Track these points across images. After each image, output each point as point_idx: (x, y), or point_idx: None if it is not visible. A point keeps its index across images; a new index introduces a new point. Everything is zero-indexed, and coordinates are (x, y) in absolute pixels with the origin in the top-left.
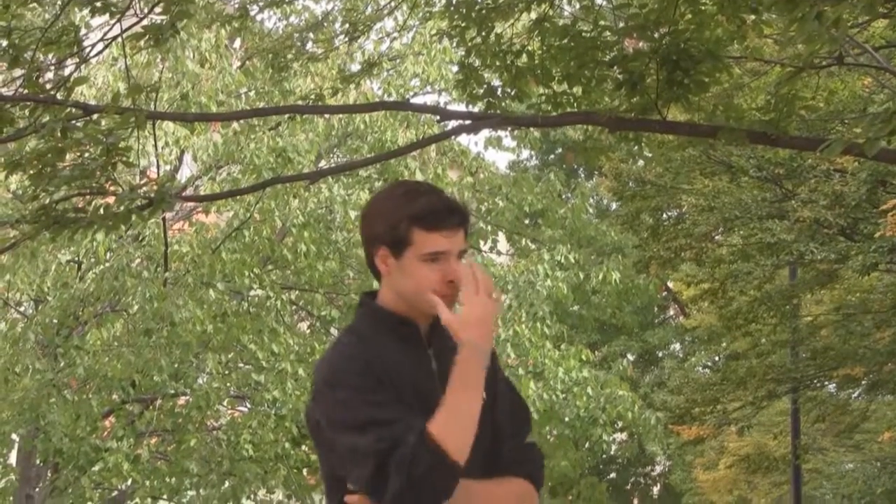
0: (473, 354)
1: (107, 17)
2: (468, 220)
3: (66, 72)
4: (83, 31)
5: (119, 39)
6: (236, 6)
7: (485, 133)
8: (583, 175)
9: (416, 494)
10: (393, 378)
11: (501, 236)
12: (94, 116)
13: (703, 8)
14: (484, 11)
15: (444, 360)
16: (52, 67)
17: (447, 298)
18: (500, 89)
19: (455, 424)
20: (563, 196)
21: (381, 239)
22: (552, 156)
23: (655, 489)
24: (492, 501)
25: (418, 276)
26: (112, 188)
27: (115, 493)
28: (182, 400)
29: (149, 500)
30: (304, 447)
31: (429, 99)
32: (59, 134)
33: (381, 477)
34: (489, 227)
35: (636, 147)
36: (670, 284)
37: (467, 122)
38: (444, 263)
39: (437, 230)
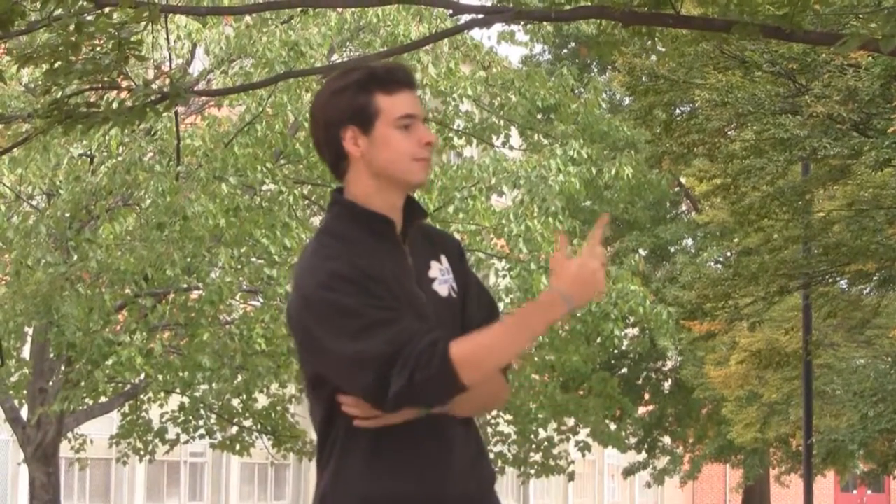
0: (555, 306)
1: None
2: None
3: None
4: None
5: None
6: None
7: (497, 27)
8: (596, 70)
9: (412, 396)
10: (380, 277)
11: (514, 131)
12: (107, 10)
13: None
14: None
15: (418, 258)
16: None
17: (426, 162)
18: None
19: (484, 360)
20: (576, 91)
21: (345, 118)
22: (565, 50)
23: (666, 384)
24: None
25: (395, 145)
26: (125, 82)
27: (128, 386)
28: (195, 294)
29: (162, 393)
30: None
31: None
32: (71, 28)
33: (385, 380)
34: (501, 122)
35: (649, 41)
36: (683, 180)
37: (480, 15)
38: (416, 127)
39: (400, 91)
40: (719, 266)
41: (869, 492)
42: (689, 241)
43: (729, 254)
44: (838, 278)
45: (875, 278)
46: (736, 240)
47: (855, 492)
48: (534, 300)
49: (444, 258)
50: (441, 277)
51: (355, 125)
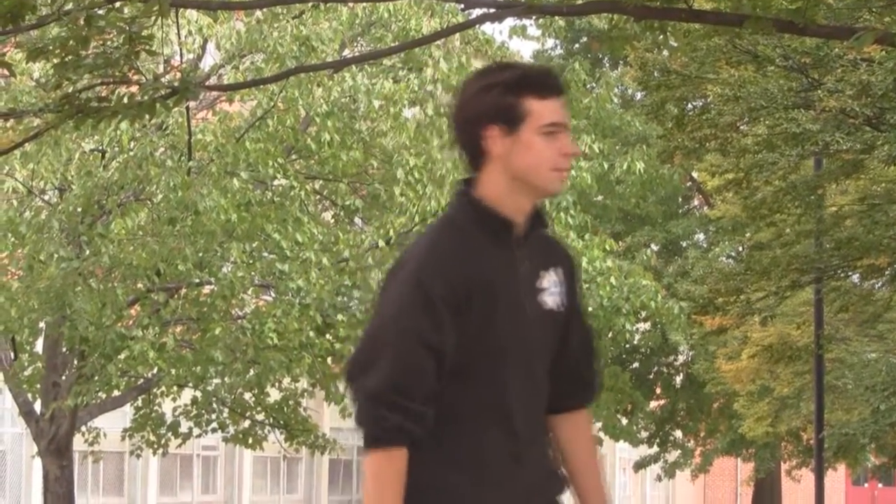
0: None
1: None
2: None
3: None
4: None
5: None
6: None
7: (509, 21)
8: (608, 64)
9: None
10: (482, 283)
11: None
12: (118, 4)
13: None
14: None
15: (531, 266)
16: None
17: (565, 173)
18: None
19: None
20: (588, 86)
21: (490, 116)
22: (577, 45)
23: (678, 379)
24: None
25: (537, 151)
26: (135, 77)
27: (140, 380)
28: (207, 289)
29: (174, 387)
30: (328, 336)
31: None
32: (82, 22)
33: (367, 373)
34: None
35: (661, 36)
36: (695, 174)
37: (492, 10)
38: (560, 136)
39: (551, 97)
40: (731, 261)
41: (880, 485)
42: (701, 236)
43: (741, 248)
44: (850, 273)
45: (887, 273)
46: (748, 234)
47: (866, 485)
48: None
49: (559, 271)
50: (551, 289)
51: (500, 124)
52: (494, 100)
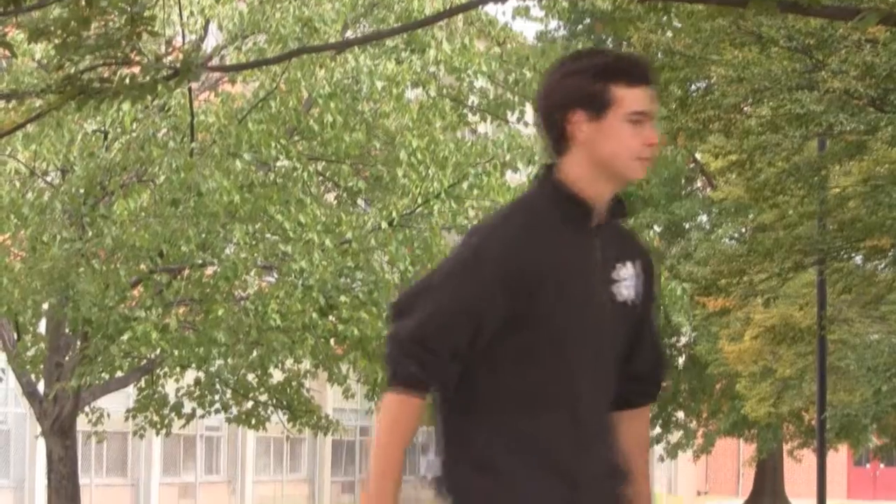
0: None
1: None
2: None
3: None
4: None
5: None
6: None
7: (512, 3)
8: (611, 45)
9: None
10: (551, 266)
11: (528, 107)
12: None
13: None
14: None
15: (607, 255)
16: None
17: (647, 162)
18: None
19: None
20: None
21: (576, 101)
22: (580, 26)
23: (681, 360)
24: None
25: (621, 139)
26: (137, 58)
27: (143, 361)
28: (209, 270)
29: (177, 368)
30: (331, 317)
31: None
32: (83, 2)
33: (402, 317)
34: (516, 98)
35: (665, 17)
36: (698, 156)
37: None
38: (645, 125)
39: (639, 85)
40: (734, 242)
41: (882, 466)
42: (704, 218)
43: (744, 230)
44: (853, 254)
45: (890, 254)
46: (751, 216)
47: (868, 466)
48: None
49: (636, 264)
50: (626, 281)
51: (585, 110)
52: (582, 85)
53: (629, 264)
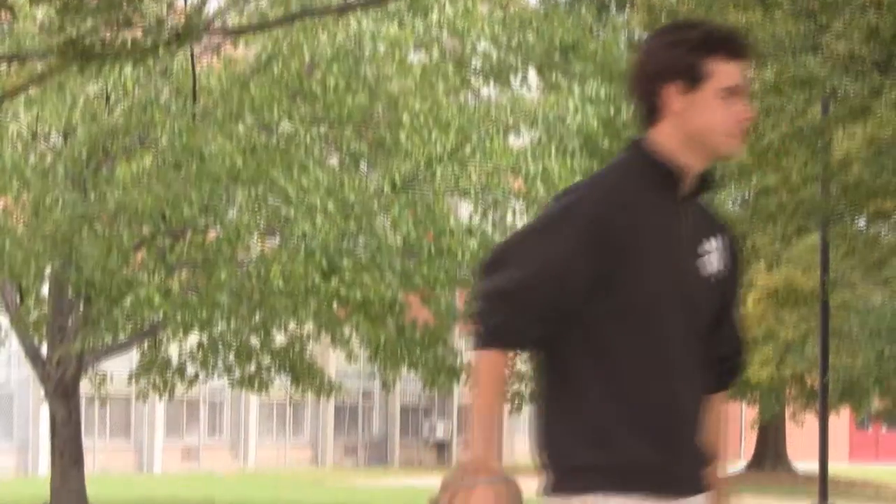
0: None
1: None
2: None
3: None
4: None
5: None
6: None
7: None
8: (614, 8)
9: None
10: (642, 230)
11: (531, 71)
12: None
13: None
14: None
15: (695, 228)
16: None
17: (739, 138)
18: None
19: (474, 385)
20: (594, 30)
21: (674, 71)
22: None
23: None
24: None
25: (714, 112)
26: (139, 21)
27: (146, 325)
28: (212, 234)
29: (180, 331)
30: (333, 281)
31: None
32: None
33: (492, 273)
34: (519, 62)
35: None
36: None
37: None
38: (738, 100)
39: (736, 59)
40: (737, 206)
41: (884, 429)
42: None
43: (747, 193)
44: (857, 217)
45: (893, 217)
46: (754, 180)
47: (870, 429)
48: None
49: (721, 239)
50: (712, 255)
51: (680, 82)
52: (678, 57)
53: (714, 239)
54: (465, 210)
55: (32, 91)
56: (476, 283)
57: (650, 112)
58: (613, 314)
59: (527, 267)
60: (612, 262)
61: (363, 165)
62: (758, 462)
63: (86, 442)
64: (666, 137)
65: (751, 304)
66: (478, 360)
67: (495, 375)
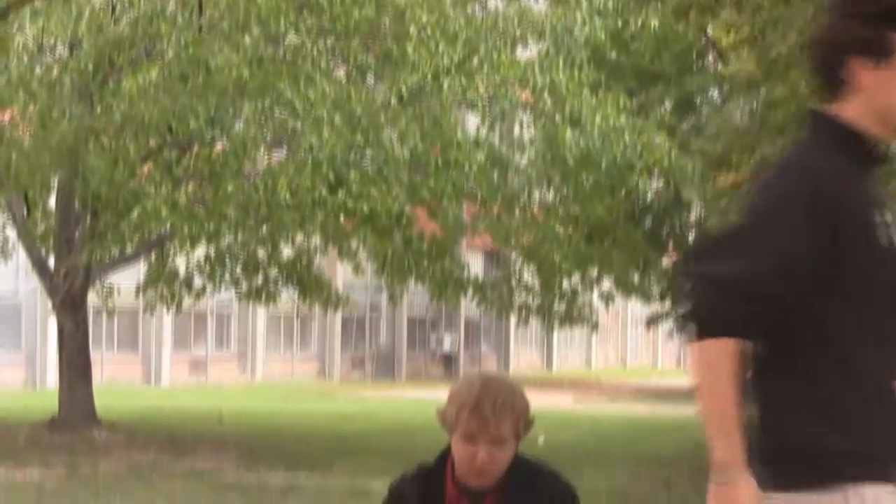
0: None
1: None
2: None
3: None
4: None
5: None
6: None
7: None
8: None
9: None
10: (850, 205)
11: None
12: None
13: None
14: None
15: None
16: None
17: None
18: None
19: (702, 381)
20: None
21: (856, 46)
22: None
23: (691, 236)
24: None
25: None
26: None
27: (153, 237)
28: (219, 146)
29: (188, 244)
30: (340, 193)
31: None
32: None
33: (715, 260)
34: None
35: None
36: (709, 31)
37: None
38: None
39: None
40: (745, 117)
41: None
42: (715, 93)
43: (755, 105)
44: None
45: None
46: (762, 92)
47: None
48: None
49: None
50: (892, 226)
51: (869, 56)
52: (860, 28)
53: (887, 211)
54: (472, 122)
55: (38, 2)
56: (688, 268)
57: (834, 85)
58: (839, 297)
59: (753, 255)
60: (836, 243)
61: (370, 78)
62: None
63: (93, 354)
64: (855, 113)
65: None
66: (707, 353)
67: (729, 367)
